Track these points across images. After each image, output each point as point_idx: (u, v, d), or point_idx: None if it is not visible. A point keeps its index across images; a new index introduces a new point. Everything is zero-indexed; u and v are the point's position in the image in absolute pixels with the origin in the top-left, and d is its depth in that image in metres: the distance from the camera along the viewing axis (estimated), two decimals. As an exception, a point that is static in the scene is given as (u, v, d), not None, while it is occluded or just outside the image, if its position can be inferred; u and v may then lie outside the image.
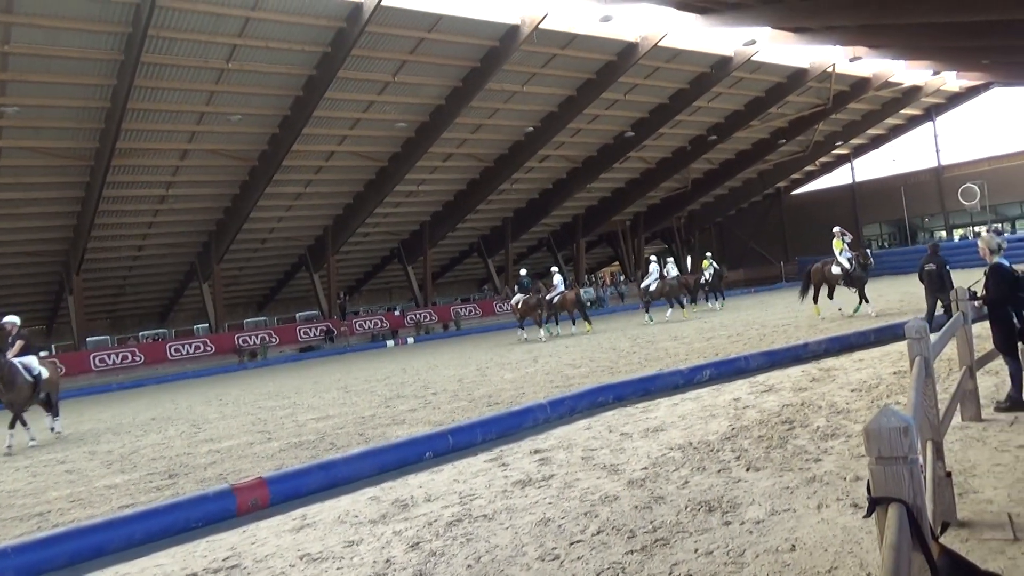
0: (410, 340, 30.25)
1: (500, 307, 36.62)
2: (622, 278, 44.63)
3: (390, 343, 29.84)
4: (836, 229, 16.62)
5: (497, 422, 7.78)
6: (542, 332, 20.68)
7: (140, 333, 32.54)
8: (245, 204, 26.50)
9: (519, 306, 21.41)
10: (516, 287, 22.09)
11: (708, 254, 25.40)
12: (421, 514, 5.48)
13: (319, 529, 5.44)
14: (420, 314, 34.10)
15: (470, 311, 36.01)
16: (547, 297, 21.29)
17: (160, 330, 33.36)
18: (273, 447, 8.77)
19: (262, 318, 36.23)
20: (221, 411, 13.25)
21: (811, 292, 16.82)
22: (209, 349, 28.93)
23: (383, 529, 5.25)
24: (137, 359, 27.69)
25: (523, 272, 22.84)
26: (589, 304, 37.19)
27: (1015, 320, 6.53)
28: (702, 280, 24.68)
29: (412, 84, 22.84)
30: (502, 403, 9.78)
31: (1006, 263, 6.59)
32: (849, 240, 16.48)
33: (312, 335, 31.41)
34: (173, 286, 32.73)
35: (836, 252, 16.20)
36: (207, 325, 31.34)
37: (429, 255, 35.06)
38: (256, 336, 30.46)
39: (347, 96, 22.59)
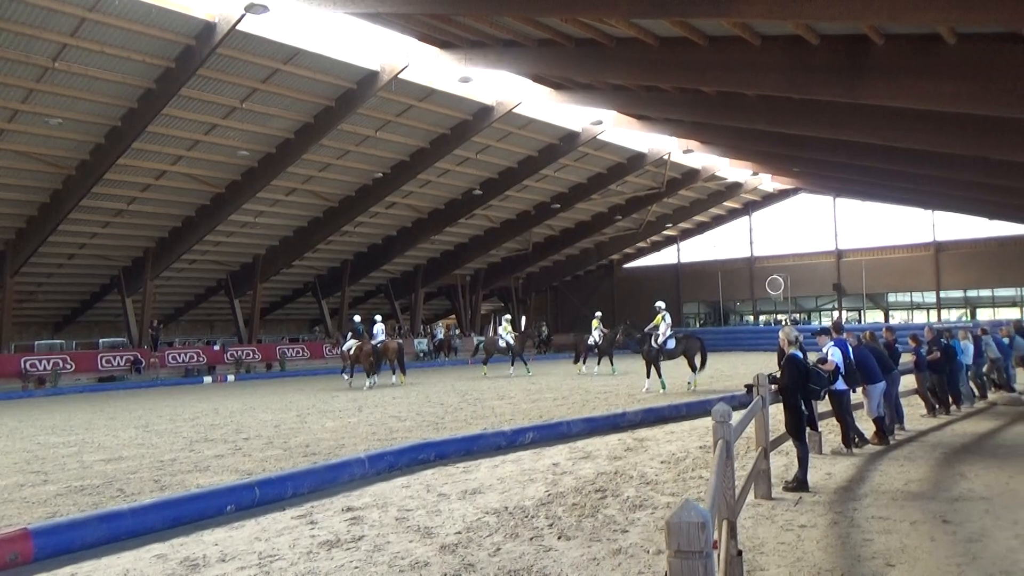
0: (230, 378, 28.50)
1: (330, 351, 35.50)
2: (457, 331, 44.85)
3: (208, 379, 27.94)
4: (660, 304, 17.58)
5: (311, 475, 7.40)
6: (368, 381, 20.30)
7: (-98, 347, 28.30)
8: (54, 215, 24.10)
9: (350, 352, 21.14)
10: (349, 333, 21.75)
11: (598, 314, 25.11)
12: (212, 576, 5.03)
13: (89, 590, 4.84)
14: (242, 351, 32.31)
15: (298, 352, 34.62)
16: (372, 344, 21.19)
17: (-71, 345, 29.19)
18: (48, 491, 7.80)
19: (57, 341, 32.77)
20: (-8, 444, 11.69)
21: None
22: (-12, 371, 25.66)
23: (166, 592, 4.76)
24: None
25: (356, 318, 22.53)
26: (421, 355, 37.07)
27: (803, 408, 7.18)
28: (590, 342, 24.13)
29: (260, 114, 22.05)
30: (319, 454, 9.37)
31: (800, 355, 7.26)
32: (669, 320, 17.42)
33: (116, 364, 28.77)
34: (-47, 296, 28.92)
35: (659, 328, 17.04)
36: (-10, 344, 27.86)
37: (259, 290, 33.51)
38: (48, 361, 27.41)
39: (188, 115, 21.39)
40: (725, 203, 40.34)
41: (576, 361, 25.04)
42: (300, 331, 43.27)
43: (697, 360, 16.72)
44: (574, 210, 36.42)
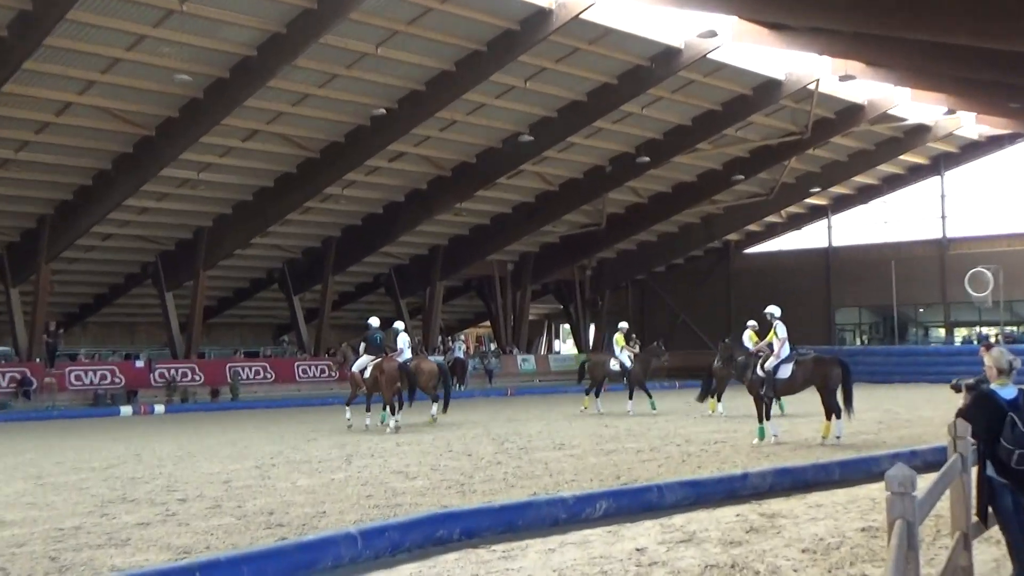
0: (159, 409, 29.05)
1: (305, 371, 35.97)
2: (492, 346, 45.01)
3: (127, 410, 28.52)
4: (773, 310, 17.34)
5: (276, 556, 7.49)
6: (392, 420, 20.07)
7: None
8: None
9: (365, 374, 20.59)
10: (362, 345, 21.39)
11: (752, 323, 22.51)
12: None
13: None
14: (177, 370, 32.91)
15: (257, 372, 35.13)
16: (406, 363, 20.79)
17: None
18: (-101, 570, 8.04)
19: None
20: None
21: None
22: None
23: None
24: None
25: (374, 322, 21.96)
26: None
27: (992, 471, 6.94)
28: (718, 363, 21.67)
29: (209, 19, 22.35)
30: (288, 526, 9.48)
31: (1006, 394, 6.99)
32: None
33: (-4, 386, 29.60)
34: None
35: (773, 341, 16.90)
36: None
37: (203, 280, 34.06)
38: None
39: (105, 22, 21.68)
40: (903, 156, 39.70)
41: (708, 396, 23.18)
42: (261, 341, 43.90)
43: (838, 397, 16.41)
44: (671, 166, 36.21)
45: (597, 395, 24.97)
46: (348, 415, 21.19)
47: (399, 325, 22.32)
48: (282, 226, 33.87)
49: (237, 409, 29.93)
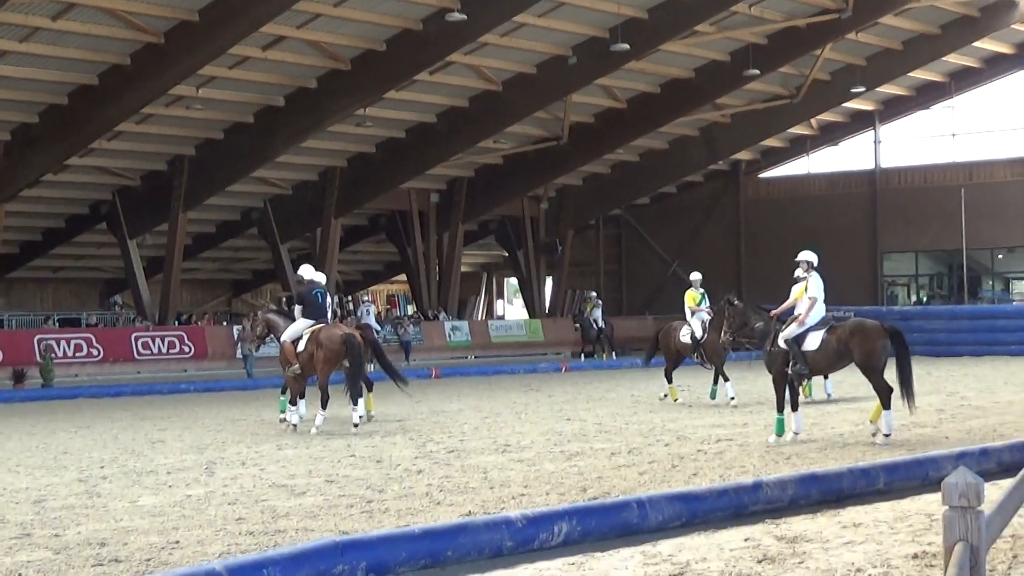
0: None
1: (147, 345, 35.69)
2: (409, 309, 44.98)
3: None
4: (805, 257, 17.48)
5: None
6: (319, 416, 19.65)
7: None
8: None
9: (299, 346, 20.30)
10: (297, 308, 20.85)
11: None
12: None
13: None
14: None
15: (79, 347, 34.84)
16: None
17: None
18: None
19: None
20: None
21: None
22: None
23: None
24: None
25: (308, 273, 21.21)
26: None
27: None
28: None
29: None
30: (127, 562, 9.50)
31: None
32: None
33: None
34: None
35: (801, 300, 17.08)
36: None
37: (-1, 216, 33.74)
38: None
39: None
40: (979, 43, 40.04)
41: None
42: (83, 304, 43.49)
43: (890, 375, 16.68)
44: (659, 56, 36.32)
45: (669, 378, 24.46)
46: (292, 415, 20.49)
47: (318, 277, 21.47)
48: (112, 141, 33.55)
49: (50, 400, 29.75)
